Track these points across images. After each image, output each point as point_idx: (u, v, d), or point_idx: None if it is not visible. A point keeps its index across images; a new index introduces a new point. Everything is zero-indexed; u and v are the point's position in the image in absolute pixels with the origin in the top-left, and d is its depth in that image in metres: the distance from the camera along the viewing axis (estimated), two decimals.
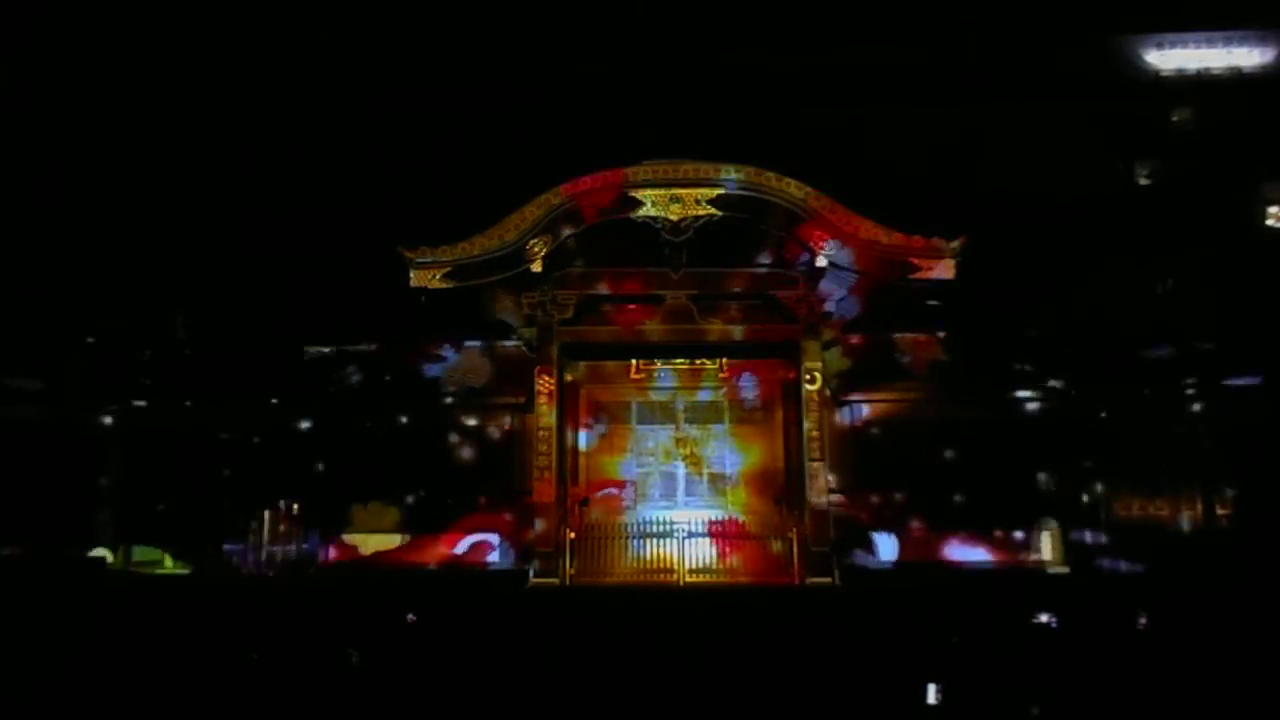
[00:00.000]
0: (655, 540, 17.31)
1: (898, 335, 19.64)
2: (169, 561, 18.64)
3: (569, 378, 18.87)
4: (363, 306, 19.55)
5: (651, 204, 16.76)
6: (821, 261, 16.73)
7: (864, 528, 18.24)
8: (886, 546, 18.24)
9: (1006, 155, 20.79)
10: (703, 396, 20.09)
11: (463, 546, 18.55)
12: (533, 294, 17.43)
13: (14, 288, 20.00)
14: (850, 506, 18.17)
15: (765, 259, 17.50)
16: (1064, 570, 17.65)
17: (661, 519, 17.93)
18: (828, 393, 17.58)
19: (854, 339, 19.25)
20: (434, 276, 16.75)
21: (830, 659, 11.35)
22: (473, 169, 20.80)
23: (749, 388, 19.92)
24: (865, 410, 19.01)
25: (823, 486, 17.00)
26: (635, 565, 17.24)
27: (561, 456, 17.69)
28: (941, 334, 19.65)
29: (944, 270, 16.46)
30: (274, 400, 19.25)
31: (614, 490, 19.54)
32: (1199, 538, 18.29)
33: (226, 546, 18.27)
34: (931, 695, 10.07)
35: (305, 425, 19.31)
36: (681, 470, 19.76)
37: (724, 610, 15.00)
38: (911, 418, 18.80)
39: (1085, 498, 18.57)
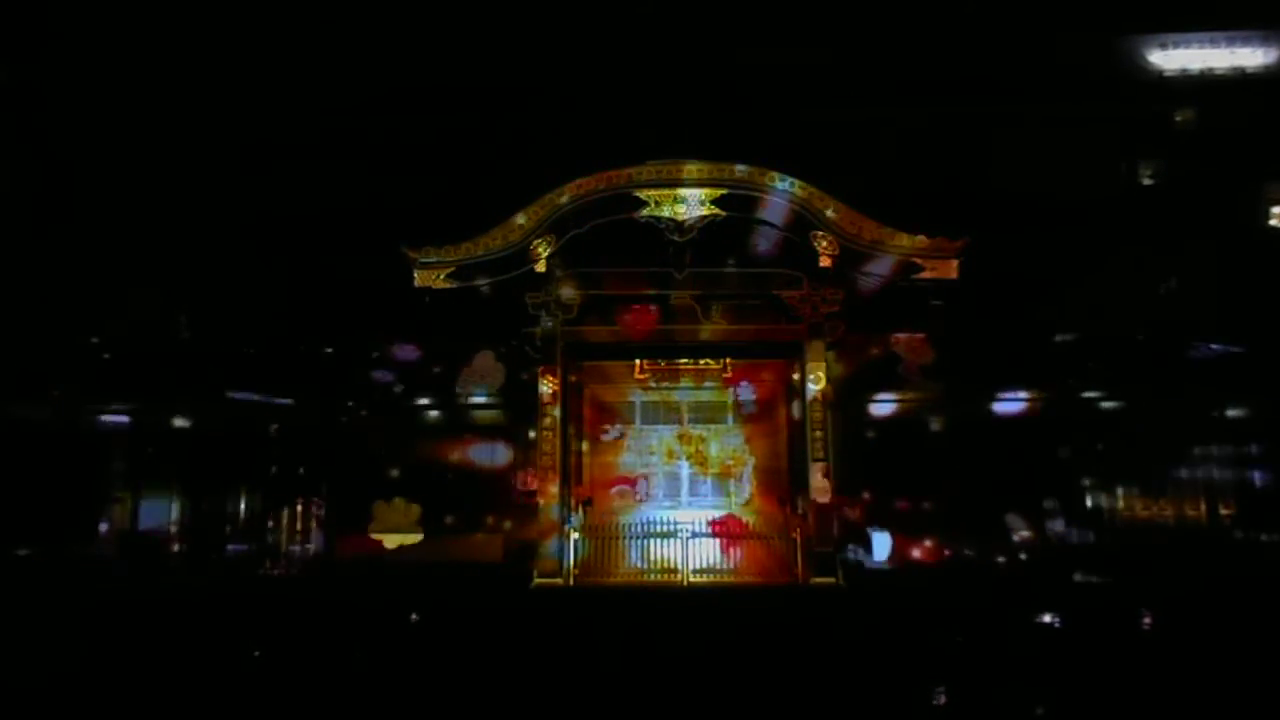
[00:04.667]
0: (659, 540, 17.32)
1: (902, 335, 19.61)
2: (172, 561, 18.64)
3: (572, 377, 18.87)
4: (366, 306, 19.53)
5: (655, 204, 16.81)
6: (825, 261, 16.74)
7: (868, 527, 18.22)
8: (890, 546, 18.22)
9: (1010, 155, 20.76)
10: (706, 396, 20.08)
11: (468, 546, 18.53)
12: (536, 294, 17.46)
13: (18, 288, 20.02)
14: (854, 506, 18.14)
15: (769, 259, 17.49)
16: (1066, 570, 17.62)
17: (665, 519, 17.93)
18: (831, 392, 17.56)
19: (858, 339, 19.21)
20: (438, 276, 16.79)
21: (834, 658, 11.37)
22: (476, 169, 20.79)
23: (753, 387, 19.91)
24: (869, 410, 18.99)
25: (826, 486, 17.00)
26: (639, 565, 17.25)
27: (565, 456, 17.70)
28: (945, 333, 19.61)
29: (948, 270, 16.51)
30: (280, 400, 19.25)
31: None
32: (1201, 538, 18.27)
33: (231, 546, 18.31)
34: (936, 695, 10.07)
35: (314, 425, 19.29)
36: (685, 470, 19.77)
37: (728, 610, 15.02)
38: (916, 417, 18.79)
39: (1089, 498, 18.56)
